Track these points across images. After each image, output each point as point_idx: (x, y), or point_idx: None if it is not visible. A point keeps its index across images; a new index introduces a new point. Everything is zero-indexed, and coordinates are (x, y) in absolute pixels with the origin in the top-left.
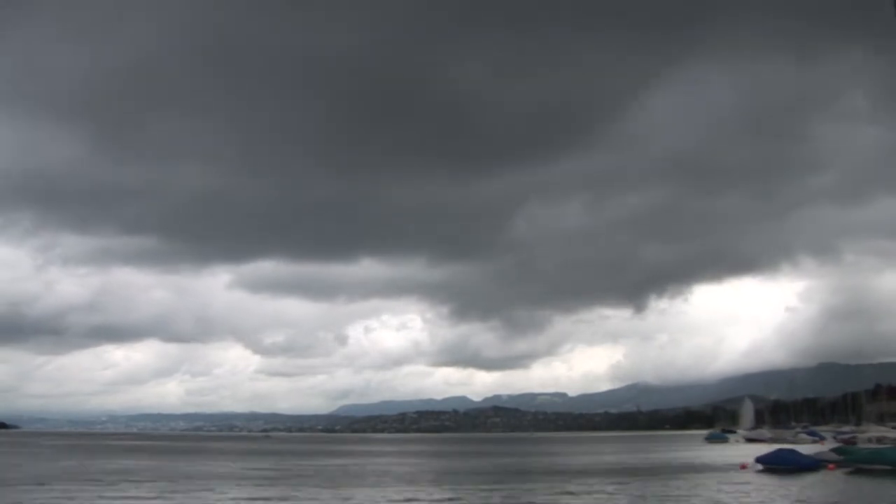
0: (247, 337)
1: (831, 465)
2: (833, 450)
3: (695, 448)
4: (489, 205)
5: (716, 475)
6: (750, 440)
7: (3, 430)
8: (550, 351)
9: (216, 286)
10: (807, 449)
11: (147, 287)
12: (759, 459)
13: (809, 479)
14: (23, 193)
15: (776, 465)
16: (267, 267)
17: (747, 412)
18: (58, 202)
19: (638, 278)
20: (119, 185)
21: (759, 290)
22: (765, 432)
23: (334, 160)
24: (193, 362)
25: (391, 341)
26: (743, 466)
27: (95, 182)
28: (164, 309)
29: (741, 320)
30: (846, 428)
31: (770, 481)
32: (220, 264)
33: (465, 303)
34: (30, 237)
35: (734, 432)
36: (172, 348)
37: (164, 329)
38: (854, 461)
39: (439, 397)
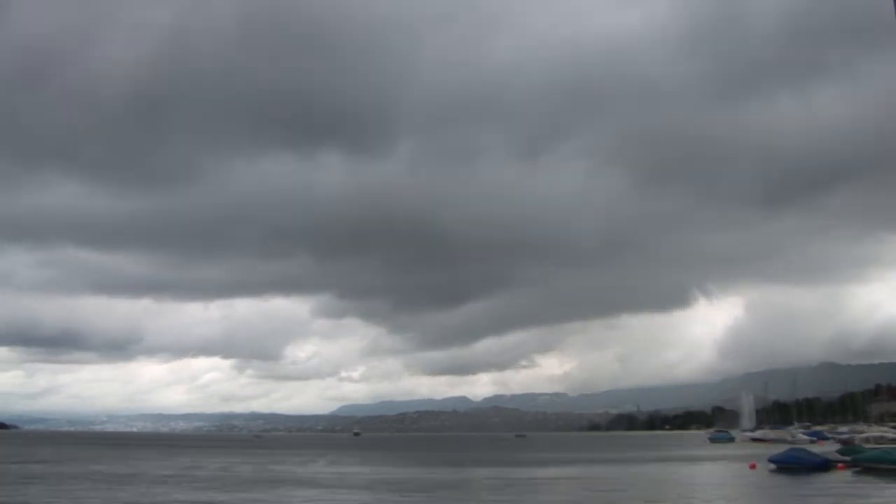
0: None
1: (840, 465)
2: (840, 450)
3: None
4: None
5: None
6: (755, 440)
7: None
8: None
9: None
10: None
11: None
12: (771, 459)
13: (826, 480)
14: None
15: (789, 464)
16: None
17: (747, 412)
18: None
19: None
20: None
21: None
22: (769, 432)
23: None
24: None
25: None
26: (752, 466)
27: None
28: None
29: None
30: (843, 428)
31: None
32: None
33: None
34: None
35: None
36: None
37: None
38: (862, 461)
39: (439, 397)
